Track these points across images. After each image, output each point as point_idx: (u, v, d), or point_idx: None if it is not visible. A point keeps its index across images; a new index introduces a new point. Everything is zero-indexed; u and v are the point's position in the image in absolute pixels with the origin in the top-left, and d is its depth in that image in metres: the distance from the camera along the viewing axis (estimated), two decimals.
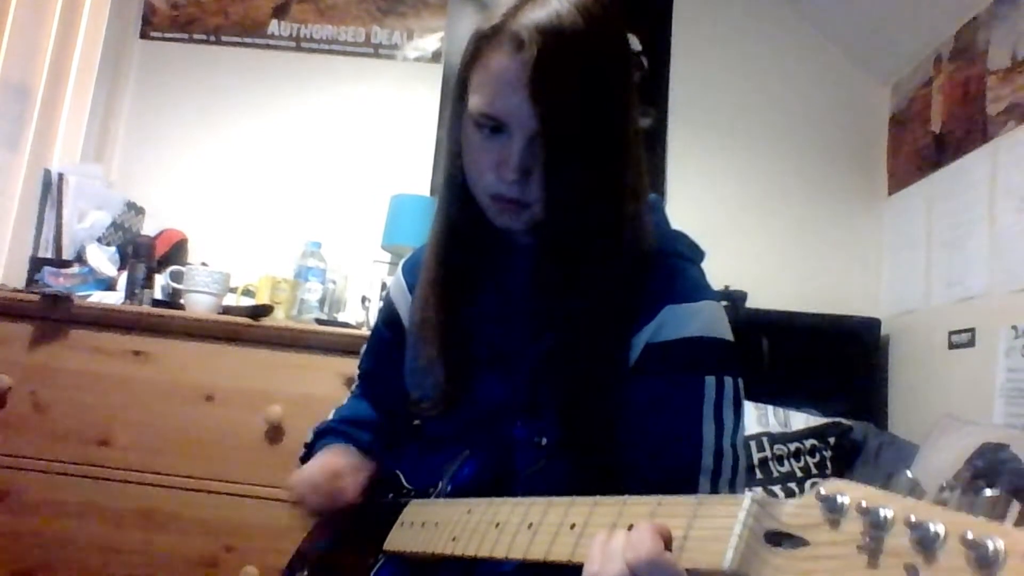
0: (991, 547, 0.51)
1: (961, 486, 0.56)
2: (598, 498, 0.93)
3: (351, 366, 1.82)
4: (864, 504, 0.60)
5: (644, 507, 0.85)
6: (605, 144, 1.26)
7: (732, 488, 1.20)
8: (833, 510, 0.63)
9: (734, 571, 0.69)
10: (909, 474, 0.61)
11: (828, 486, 0.65)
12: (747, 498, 0.72)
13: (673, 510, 0.80)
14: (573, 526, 0.93)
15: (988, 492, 0.54)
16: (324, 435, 1.61)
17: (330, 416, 1.67)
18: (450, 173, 1.40)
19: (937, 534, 0.54)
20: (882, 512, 0.59)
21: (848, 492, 0.63)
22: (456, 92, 1.33)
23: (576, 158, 1.23)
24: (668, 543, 0.78)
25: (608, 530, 0.85)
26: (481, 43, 1.27)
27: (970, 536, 0.52)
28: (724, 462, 1.21)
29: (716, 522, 0.74)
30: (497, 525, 1.06)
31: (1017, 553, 0.50)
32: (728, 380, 1.25)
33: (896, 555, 0.57)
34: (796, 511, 0.69)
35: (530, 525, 1.00)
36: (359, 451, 1.55)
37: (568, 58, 1.20)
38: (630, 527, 0.81)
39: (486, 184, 1.30)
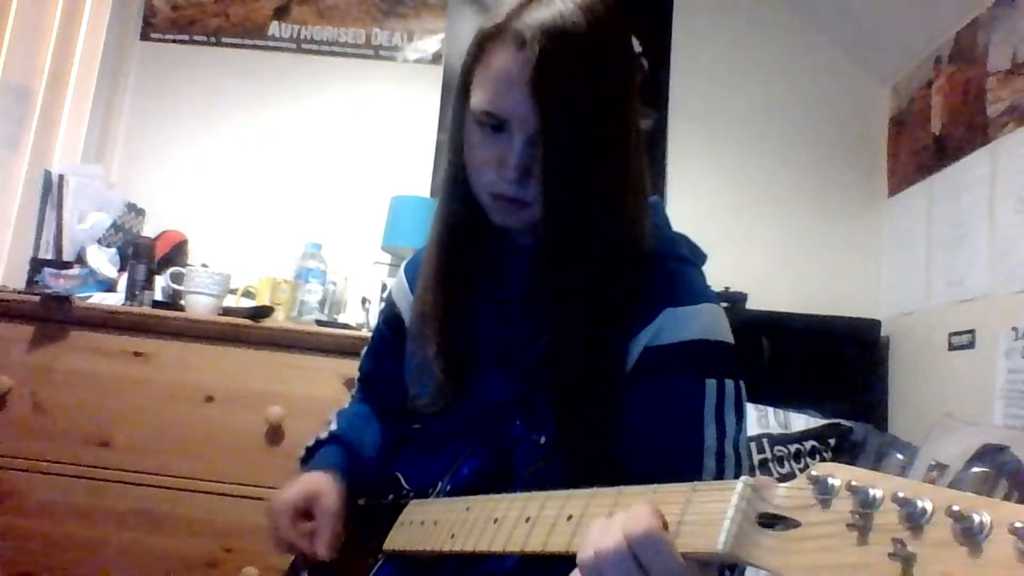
0: (977, 519, 0.51)
1: (952, 466, 0.56)
2: (595, 490, 0.93)
3: (351, 367, 1.82)
4: (854, 483, 0.61)
5: (639, 496, 0.85)
6: (605, 145, 1.26)
7: None
8: (824, 491, 0.64)
9: (727, 553, 0.69)
10: (899, 455, 0.61)
11: (819, 468, 0.65)
12: (740, 482, 0.72)
13: (668, 497, 0.80)
14: (570, 517, 0.93)
15: (976, 469, 0.54)
16: (321, 446, 1.58)
17: (331, 422, 1.65)
18: (452, 171, 1.41)
19: (924, 509, 0.55)
20: (871, 491, 0.59)
21: (838, 473, 0.64)
22: (459, 90, 1.34)
23: (576, 158, 1.23)
24: (665, 525, 0.78)
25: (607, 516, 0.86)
26: (484, 42, 1.28)
27: (956, 509, 0.52)
28: (727, 464, 1.20)
29: (709, 507, 0.74)
30: (495, 520, 1.06)
31: (1002, 524, 0.50)
32: (729, 383, 1.25)
33: (884, 531, 0.57)
34: (788, 493, 0.69)
35: (528, 519, 1.00)
36: (343, 481, 1.48)
37: (570, 58, 1.20)
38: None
39: (486, 182, 1.30)
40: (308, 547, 1.39)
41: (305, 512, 1.41)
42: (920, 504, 0.55)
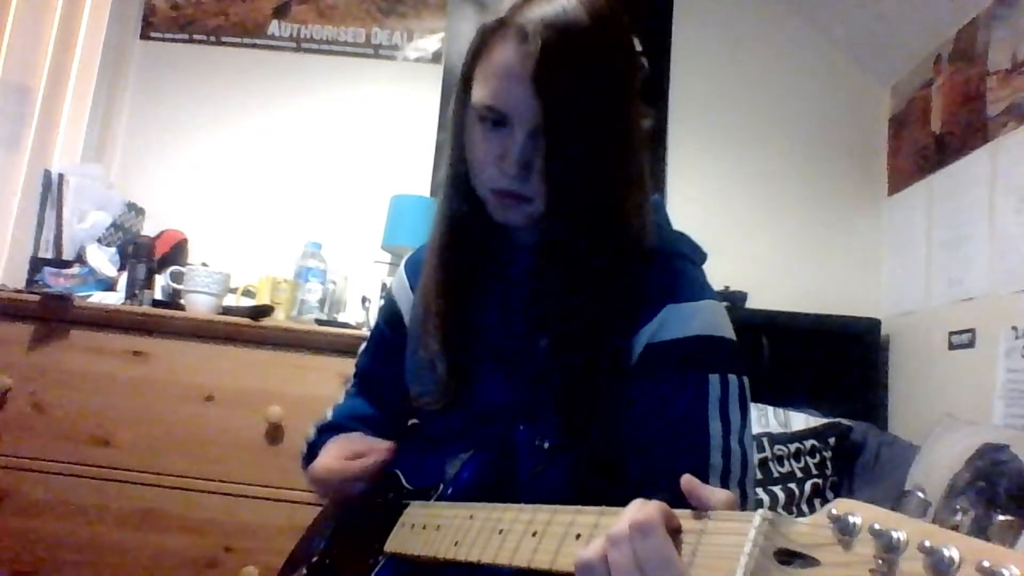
0: (1006, 575, 0.51)
1: (974, 509, 0.56)
2: (604, 508, 0.92)
3: (351, 366, 1.82)
4: (877, 526, 0.59)
5: None
6: (607, 140, 1.25)
7: (742, 487, 1.20)
8: (845, 531, 0.63)
9: None
10: (920, 494, 0.61)
11: (840, 506, 0.64)
12: (757, 516, 0.71)
13: (682, 522, 0.80)
14: (579, 536, 0.93)
15: (1001, 518, 0.54)
16: (328, 431, 1.61)
17: (328, 414, 1.67)
18: (453, 167, 1.40)
19: (952, 559, 0.54)
20: (895, 535, 0.58)
21: (860, 512, 0.63)
22: (460, 86, 1.34)
23: (578, 153, 1.23)
24: (678, 530, 0.79)
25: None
26: (486, 36, 1.28)
27: (986, 564, 0.51)
28: (733, 460, 1.20)
29: (725, 539, 0.73)
30: (500, 531, 1.06)
31: None
32: (733, 378, 1.25)
33: None
34: (807, 530, 0.68)
35: (535, 533, 1.00)
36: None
37: (572, 53, 1.20)
38: None
39: (487, 177, 1.30)
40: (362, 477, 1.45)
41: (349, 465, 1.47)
42: (947, 554, 0.54)
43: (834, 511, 0.64)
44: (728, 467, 1.20)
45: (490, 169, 1.28)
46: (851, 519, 0.63)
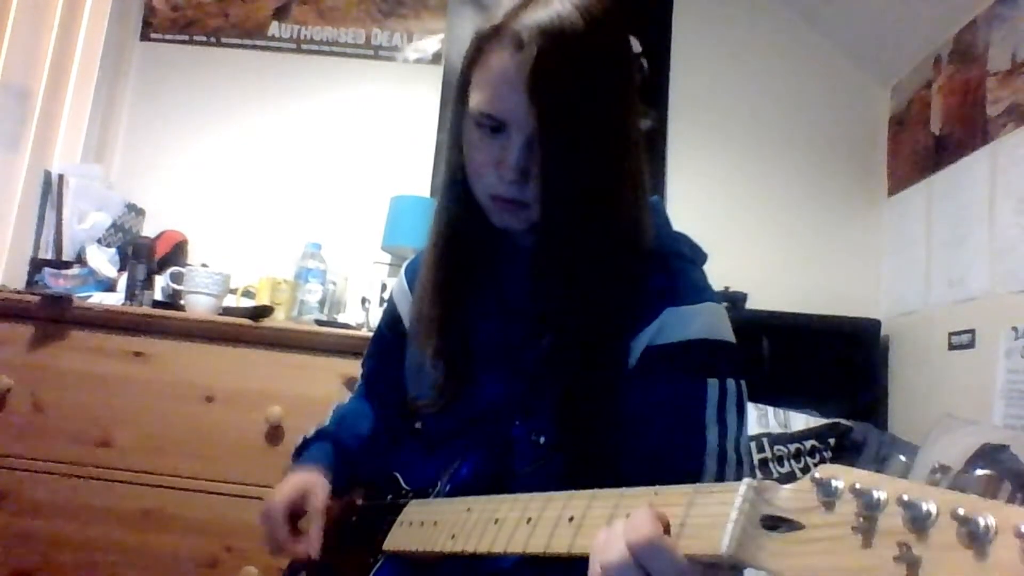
0: (982, 523, 0.51)
1: (954, 468, 0.56)
2: (595, 491, 0.93)
3: (351, 367, 1.83)
4: (858, 486, 0.60)
5: (641, 498, 0.84)
6: (604, 145, 1.25)
7: None
8: (828, 493, 0.63)
9: (731, 556, 0.69)
10: (902, 457, 0.61)
11: (823, 470, 0.65)
12: (743, 484, 0.71)
13: (670, 499, 0.80)
14: (571, 519, 0.93)
15: (979, 472, 0.54)
16: (324, 438, 1.61)
17: (328, 417, 1.67)
18: (451, 172, 1.40)
19: (929, 512, 0.54)
20: (875, 493, 0.59)
21: (842, 475, 0.63)
22: (457, 92, 1.34)
23: (575, 159, 1.22)
24: (666, 528, 0.78)
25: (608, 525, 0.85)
26: (482, 43, 1.27)
27: (961, 512, 0.52)
28: (727, 466, 1.20)
29: (712, 508, 0.73)
30: (496, 521, 1.06)
31: (1008, 528, 0.50)
32: (731, 383, 1.24)
33: (889, 534, 0.57)
34: (791, 495, 0.69)
35: (529, 520, 1.00)
36: (331, 476, 1.52)
37: (568, 59, 1.20)
38: (628, 516, 0.81)
39: (485, 183, 1.30)
40: (300, 549, 1.42)
41: (298, 511, 1.46)
42: (924, 507, 0.54)
43: (817, 475, 0.65)
44: (722, 472, 1.20)
45: (488, 175, 1.28)
46: (833, 482, 0.63)
